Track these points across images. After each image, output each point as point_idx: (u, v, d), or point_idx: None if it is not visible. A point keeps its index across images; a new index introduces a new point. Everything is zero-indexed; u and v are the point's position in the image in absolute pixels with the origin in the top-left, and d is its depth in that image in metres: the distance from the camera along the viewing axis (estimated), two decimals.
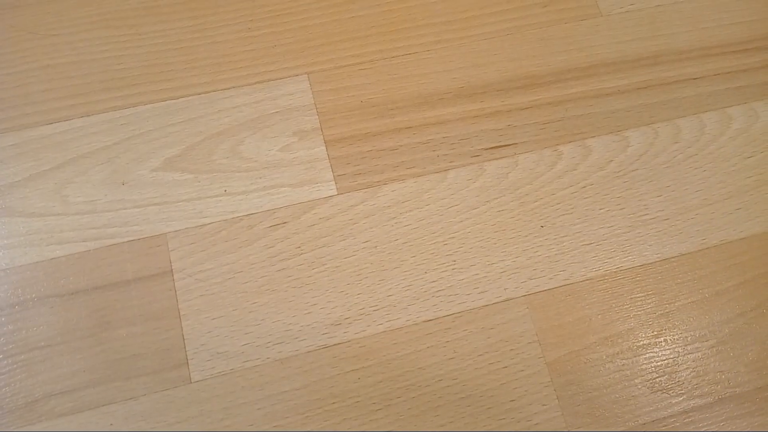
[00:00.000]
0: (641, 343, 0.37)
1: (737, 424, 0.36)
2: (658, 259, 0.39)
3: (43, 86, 0.41)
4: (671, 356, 0.37)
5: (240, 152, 0.40)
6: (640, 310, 0.38)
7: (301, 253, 0.38)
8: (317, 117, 0.41)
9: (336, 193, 0.39)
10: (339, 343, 0.36)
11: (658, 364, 0.37)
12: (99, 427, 0.34)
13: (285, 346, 0.36)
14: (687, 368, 0.37)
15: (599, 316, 0.38)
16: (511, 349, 0.36)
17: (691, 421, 0.36)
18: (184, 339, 0.36)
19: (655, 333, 0.38)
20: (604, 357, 0.37)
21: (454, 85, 0.43)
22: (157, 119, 0.40)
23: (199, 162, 0.40)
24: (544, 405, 0.36)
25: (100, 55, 0.42)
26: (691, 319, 0.38)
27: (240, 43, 0.43)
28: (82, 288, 0.36)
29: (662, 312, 0.38)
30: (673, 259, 0.39)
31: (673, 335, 0.38)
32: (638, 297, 0.38)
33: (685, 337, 0.38)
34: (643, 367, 0.37)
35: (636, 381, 0.36)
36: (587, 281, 0.38)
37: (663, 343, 0.37)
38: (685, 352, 0.37)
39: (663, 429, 0.36)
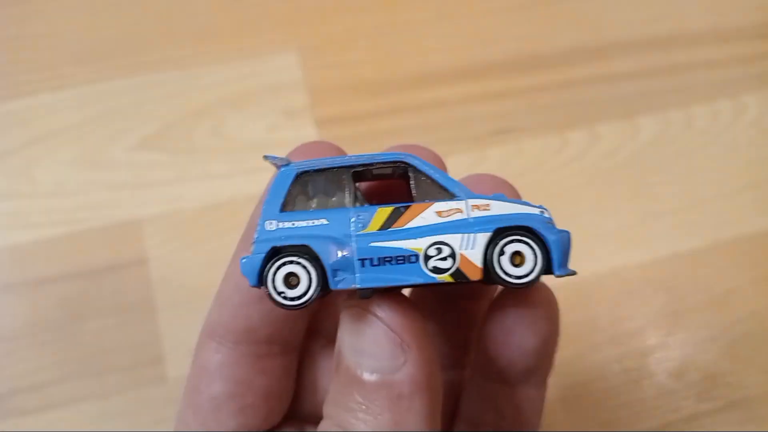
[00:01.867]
0: (650, 343, 0.36)
1: (749, 428, 0.35)
2: (668, 254, 0.38)
3: (9, 57, 0.39)
4: (680, 357, 0.36)
5: (222, 132, 0.38)
6: (649, 308, 0.37)
7: None
8: (307, 95, 0.39)
9: None
10: None
11: (667, 365, 0.36)
12: (68, 427, 0.32)
13: None
14: (696, 370, 0.36)
15: (606, 315, 0.36)
16: None
17: (699, 425, 0.34)
18: (159, 333, 0.34)
19: (664, 333, 0.36)
20: (611, 358, 0.35)
21: (454, 64, 0.41)
22: (133, 95, 0.38)
23: (178, 142, 0.38)
24: (547, 406, 0.34)
25: (72, 25, 0.40)
26: (702, 319, 0.37)
27: (224, 13, 0.41)
28: (50, 276, 0.34)
29: (672, 310, 0.37)
30: (684, 254, 0.38)
31: (683, 335, 0.36)
32: (647, 294, 0.37)
33: (695, 337, 0.36)
34: (651, 368, 0.35)
35: (643, 383, 0.35)
36: (594, 277, 0.37)
37: (672, 344, 0.36)
38: (695, 353, 0.36)
39: None
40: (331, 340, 0.22)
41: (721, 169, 0.40)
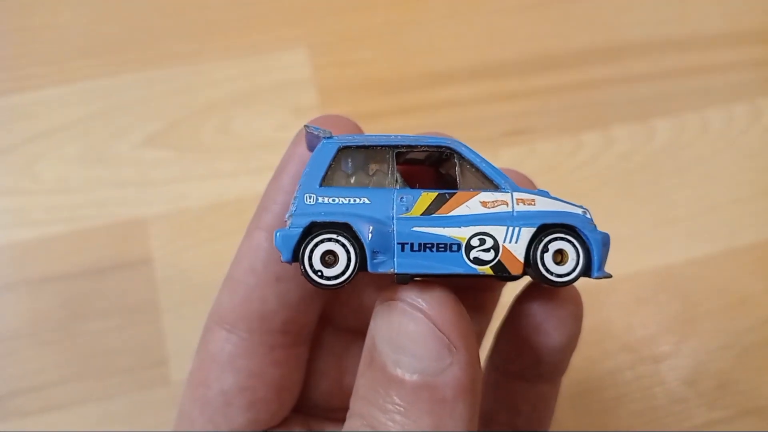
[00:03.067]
0: (662, 350, 0.35)
1: None
2: (682, 260, 0.37)
3: (14, 51, 0.38)
4: (693, 365, 0.35)
5: (230, 130, 0.37)
6: (662, 315, 0.36)
7: None
8: (316, 93, 0.38)
9: None
10: None
11: (680, 373, 0.35)
12: (70, 428, 0.31)
13: None
14: (709, 378, 0.35)
15: (619, 321, 0.36)
16: None
17: None
18: (163, 334, 0.33)
19: (678, 340, 0.36)
20: (624, 364, 0.35)
21: (467, 64, 0.40)
22: (139, 90, 0.38)
23: (184, 139, 0.37)
24: (558, 414, 0.34)
25: (78, 18, 0.39)
26: (715, 326, 0.36)
27: (233, 9, 0.40)
28: (52, 275, 0.34)
29: (686, 317, 0.36)
30: (698, 261, 0.37)
31: (696, 342, 0.36)
32: (661, 300, 0.36)
33: (709, 344, 0.36)
34: (664, 375, 0.35)
35: (655, 390, 0.35)
36: (607, 282, 0.36)
37: (685, 351, 0.36)
38: (708, 360, 0.35)
39: None
40: (341, 329, 0.22)
41: (737, 174, 0.39)
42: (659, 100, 0.40)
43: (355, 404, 0.15)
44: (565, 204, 0.16)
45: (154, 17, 0.39)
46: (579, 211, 0.16)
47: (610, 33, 0.42)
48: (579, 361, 0.34)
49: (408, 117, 0.39)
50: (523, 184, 0.19)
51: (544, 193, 0.17)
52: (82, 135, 0.37)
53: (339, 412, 0.21)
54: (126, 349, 0.33)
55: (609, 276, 0.16)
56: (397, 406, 0.15)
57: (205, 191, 0.36)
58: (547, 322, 0.18)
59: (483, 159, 0.16)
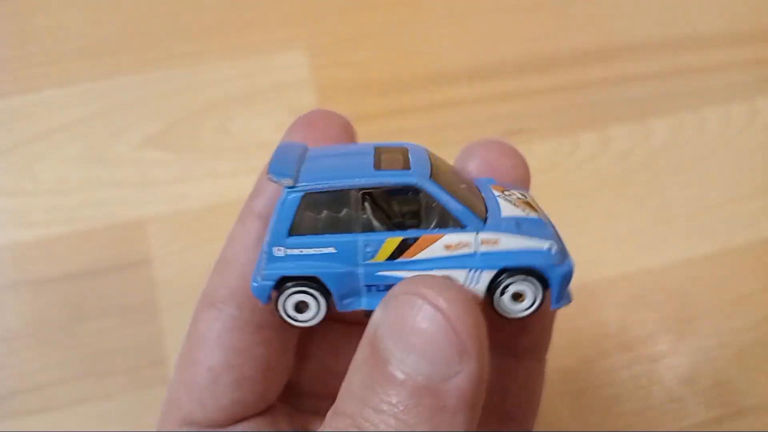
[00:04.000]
0: (659, 349, 0.36)
1: None
2: (680, 260, 0.37)
3: (13, 52, 0.38)
4: (690, 364, 0.35)
5: (228, 130, 0.38)
6: (659, 314, 0.36)
7: None
8: (315, 94, 0.39)
9: None
10: None
11: (677, 372, 0.35)
12: (69, 428, 0.32)
13: None
14: (707, 377, 0.35)
15: (616, 320, 0.36)
16: None
17: None
18: (163, 335, 0.33)
19: (675, 338, 0.36)
20: (620, 363, 0.35)
21: (465, 64, 0.40)
22: (138, 91, 0.38)
23: (183, 140, 0.37)
24: (554, 414, 0.34)
25: (77, 19, 0.39)
26: (713, 325, 0.36)
27: (231, 10, 0.40)
28: (52, 276, 0.34)
29: (683, 316, 0.36)
30: (695, 260, 0.37)
31: (693, 341, 0.36)
32: (658, 299, 0.36)
33: (706, 343, 0.36)
34: (661, 374, 0.35)
35: (653, 389, 0.35)
36: (604, 282, 0.36)
37: (682, 350, 0.36)
38: (705, 359, 0.36)
39: None
40: (335, 318, 0.22)
41: (734, 174, 0.39)
42: (656, 100, 0.40)
43: (345, 402, 0.15)
44: (530, 240, 0.16)
45: (153, 19, 0.40)
46: (544, 246, 0.16)
47: (607, 34, 0.42)
48: (575, 360, 0.35)
49: (406, 117, 0.39)
50: (508, 158, 0.19)
51: (511, 228, 0.16)
52: (81, 136, 0.37)
53: (327, 401, 0.21)
54: (125, 348, 0.33)
55: (568, 303, 0.17)
56: (393, 408, 0.14)
57: (204, 191, 0.36)
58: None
59: (450, 197, 0.16)
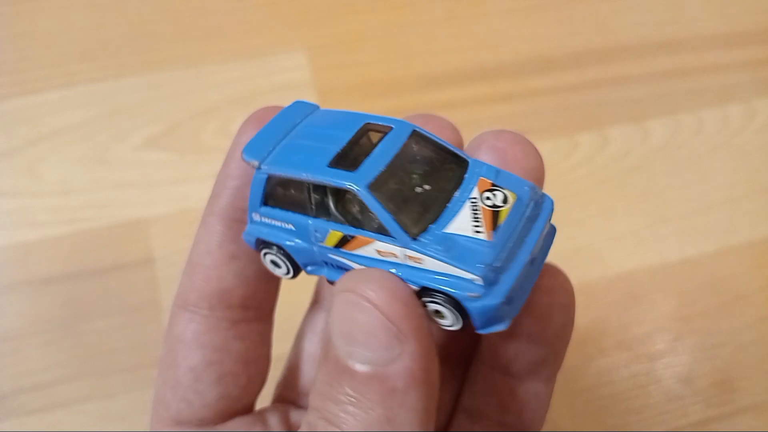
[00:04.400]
0: (658, 348, 0.36)
1: None
2: (678, 259, 0.37)
3: (16, 55, 0.38)
4: (689, 363, 0.35)
5: (230, 131, 0.38)
6: (657, 313, 0.36)
7: None
8: (315, 95, 0.39)
9: None
10: None
11: (675, 370, 0.35)
12: (72, 427, 0.32)
13: None
14: (705, 376, 0.35)
15: (615, 319, 0.36)
16: None
17: None
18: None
19: (673, 337, 0.36)
20: (619, 362, 0.35)
21: (464, 66, 0.40)
22: (141, 93, 0.38)
23: (185, 141, 0.37)
24: (553, 413, 0.34)
25: (79, 22, 0.39)
26: (711, 324, 0.36)
27: (232, 12, 0.40)
28: (55, 275, 0.34)
29: (681, 315, 0.36)
30: (693, 259, 0.37)
31: (692, 340, 0.36)
32: (656, 299, 0.37)
33: (704, 342, 0.36)
34: (659, 373, 0.35)
35: (651, 388, 0.35)
36: (603, 281, 0.36)
37: (680, 349, 0.36)
38: (704, 358, 0.36)
39: None
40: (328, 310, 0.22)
41: (732, 174, 0.39)
42: (654, 101, 0.41)
43: (313, 398, 0.16)
44: (456, 266, 0.15)
45: (154, 21, 0.40)
46: (468, 276, 0.15)
47: (605, 35, 0.42)
48: (574, 358, 0.35)
49: (405, 118, 0.39)
50: (444, 132, 0.19)
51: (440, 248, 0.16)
52: (84, 137, 0.37)
53: None
54: (128, 348, 0.33)
55: (501, 329, 0.16)
56: (349, 398, 0.15)
57: (206, 192, 0.35)
58: (529, 312, 0.18)
59: (382, 208, 0.15)
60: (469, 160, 0.18)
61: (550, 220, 0.17)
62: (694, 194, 0.39)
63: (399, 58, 0.40)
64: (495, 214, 0.16)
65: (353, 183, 0.15)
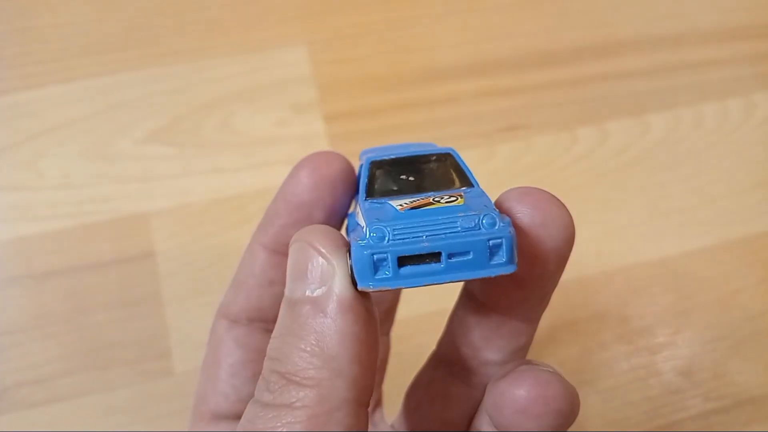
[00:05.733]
0: (658, 341, 0.36)
1: (756, 428, 0.34)
2: (677, 253, 0.37)
3: (17, 50, 0.38)
4: (688, 356, 0.36)
5: (231, 125, 0.38)
6: (657, 307, 0.36)
7: None
8: (316, 90, 0.39)
9: None
10: None
11: (675, 364, 0.35)
12: (73, 420, 0.32)
13: None
14: (704, 369, 0.35)
15: (614, 312, 0.36)
16: None
17: (707, 424, 0.34)
18: (166, 327, 0.33)
19: (673, 331, 0.36)
20: (619, 356, 0.35)
21: (464, 60, 0.40)
22: (141, 88, 0.38)
23: (186, 135, 0.37)
24: None
25: (80, 17, 0.39)
26: (710, 317, 0.36)
27: (232, 6, 0.40)
28: (56, 269, 0.34)
29: (680, 309, 0.36)
30: (693, 253, 0.37)
31: (691, 334, 0.36)
32: (656, 292, 0.37)
33: (703, 336, 0.36)
34: (659, 366, 0.35)
35: (651, 381, 0.35)
36: (603, 275, 0.36)
37: (680, 342, 0.36)
38: (703, 351, 0.36)
39: None
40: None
41: (731, 168, 0.39)
42: (654, 96, 0.41)
43: (270, 343, 0.16)
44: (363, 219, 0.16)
45: (154, 16, 0.40)
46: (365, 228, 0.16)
47: (604, 29, 0.42)
48: (575, 351, 0.35)
49: (406, 113, 0.39)
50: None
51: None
52: (84, 132, 0.37)
53: None
54: (129, 341, 0.33)
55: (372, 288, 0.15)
56: (287, 327, 0.16)
57: (206, 186, 0.36)
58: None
59: (364, 179, 0.18)
60: (474, 184, 0.18)
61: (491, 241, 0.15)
62: (693, 188, 0.39)
63: (399, 52, 0.40)
64: (426, 204, 0.16)
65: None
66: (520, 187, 0.17)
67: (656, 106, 0.40)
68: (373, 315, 0.16)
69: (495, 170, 0.38)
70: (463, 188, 0.18)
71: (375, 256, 0.15)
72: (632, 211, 0.38)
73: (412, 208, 0.16)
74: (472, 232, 0.15)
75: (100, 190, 0.36)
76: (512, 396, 0.17)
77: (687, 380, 0.35)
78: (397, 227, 0.15)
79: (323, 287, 0.15)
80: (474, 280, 0.17)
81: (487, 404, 0.19)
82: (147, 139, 0.37)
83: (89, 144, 0.37)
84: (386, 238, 0.15)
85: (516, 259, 0.15)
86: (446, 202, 0.16)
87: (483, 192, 0.17)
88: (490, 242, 0.15)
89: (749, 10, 0.44)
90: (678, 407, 0.34)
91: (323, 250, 0.16)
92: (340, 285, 0.15)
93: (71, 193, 0.36)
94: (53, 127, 0.37)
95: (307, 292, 0.16)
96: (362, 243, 0.15)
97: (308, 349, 0.15)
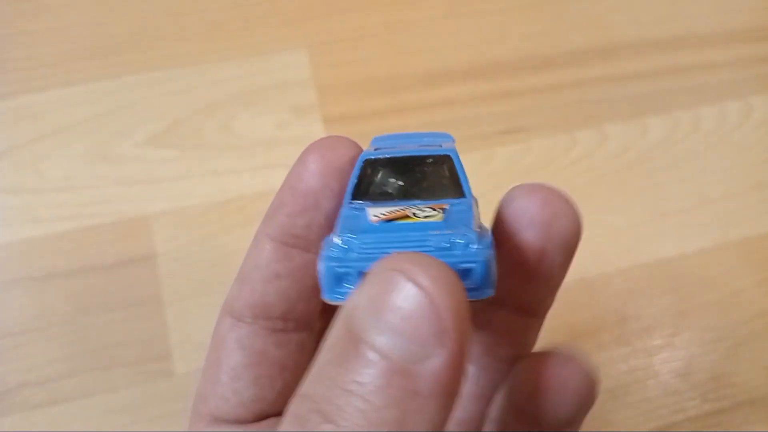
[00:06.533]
0: (656, 343, 0.36)
1: (754, 429, 0.34)
2: (676, 255, 0.37)
3: (20, 53, 0.39)
4: (686, 357, 0.36)
5: (231, 128, 0.38)
6: (655, 308, 0.36)
7: None
8: (315, 93, 0.39)
9: None
10: None
11: (673, 365, 0.35)
12: (75, 421, 0.32)
13: None
14: (702, 370, 0.35)
15: (612, 314, 0.36)
16: None
17: (705, 426, 0.34)
18: (167, 328, 0.34)
19: (671, 333, 0.36)
20: (617, 357, 0.35)
21: (463, 63, 0.40)
22: (143, 91, 0.38)
23: (187, 138, 0.37)
24: None
25: (82, 20, 0.40)
26: (708, 319, 0.37)
27: (233, 10, 0.41)
28: (58, 271, 0.34)
29: (678, 310, 0.37)
30: (691, 255, 0.37)
31: (689, 335, 0.36)
32: (654, 294, 0.37)
33: (702, 337, 0.36)
34: (657, 368, 0.35)
35: (649, 383, 0.35)
36: (601, 276, 0.37)
37: (678, 344, 0.36)
38: (701, 353, 0.36)
39: None
40: None
41: (729, 170, 0.40)
42: (652, 98, 0.41)
43: (311, 383, 0.13)
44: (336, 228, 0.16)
45: (156, 20, 0.40)
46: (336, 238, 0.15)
47: (603, 32, 0.42)
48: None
49: (405, 116, 0.39)
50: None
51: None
52: (86, 134, 0.37)
53: None
54: (130, 342, 0.33)
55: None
56: (362, 389, 0.12)
57: (207, 188, 0.36)
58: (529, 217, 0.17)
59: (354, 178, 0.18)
60: (466, 193, 0.17)
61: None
62: (691, 190, 0.39)
63: (399, 55, 0.40)
64: (402, 217, 0.16)
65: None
66: (526, 184, 0.18)
67: (654, 108, 0.41)
68: (460, 394, 0.13)
69: (494, 173, 0.38)
70: (453, 198, 0.17)
71: (339, 270, 0.14)
72: (631, 212, 0.38)
73: (388, 221, 0.15)
74: (444, 252, 0.14)
75: (102, 192, 0.36)
76: (533, 376, 0.17)
77: (685, 382, 0.35)
78: (366, 241, 0.14)
79: (425, 355, 0.12)
80: None
81: (509, 385, 0.19)
82: (148, 142, 0.37)
83: (91, 146, 0.37)
84: (353, 251, 0.14)
85: (494, 283, 0.14)
86: (424, 217, 0.15)
87: (471, 205, 0.16)
88: (462, 266, 0.14)
89: (747, 13, 0.44)
90: (676, 409, 0.34)
91: (443, 309, 0.12)
92: (448, 360, 0.12)
93: (73, 195, 0.36)
94: (55, 130, 0.37)
95: (400, 351, 0.12)
96: (331, 254, 0.14)
97: (383, 426, 0.12)
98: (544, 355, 0.18)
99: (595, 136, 0.40)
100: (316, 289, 0.19)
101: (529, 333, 0.20)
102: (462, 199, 0.17)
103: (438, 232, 0.14)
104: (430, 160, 0.18)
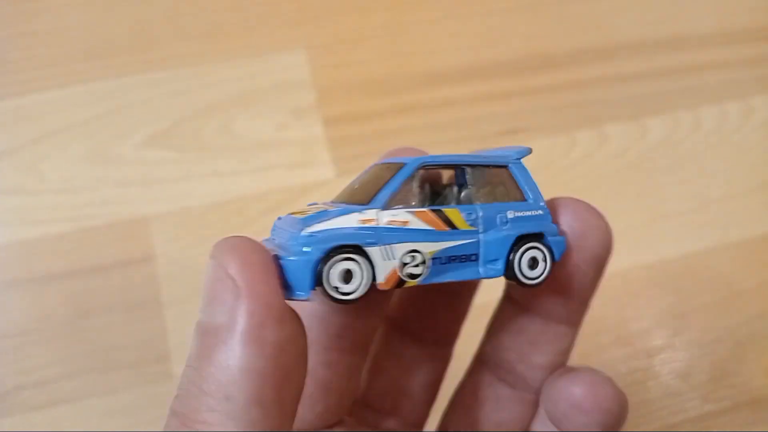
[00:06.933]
0: (656, 344, 0.36)
1: (754, 430, 0.34)
2: (676, 255, 0.37)
3: (19, 54, 0.39)
4: (686, 358, 0.36)
5: (231, 129, 0.38)
6: (655, 309, 0.36)
7: None
8: (315, 94, 0.39)
9: (334, 176, 0.37)
10: None
11: (673, 366, 0.35)
12: (74, 423, 0.32)
13: None
14: (702, 371, 0.35)
15: (613, 315, 0.36)
16: None
17: (705, 427, 0.34)
18: (166, 330, 0.33)
19: (671, 334, 0.36)
20: (617, 358, 0.35)
21: (463, 64, 0.40)
22: (142, 92, 0.38)
23: (187, 139, 0.37)
24: None
25: (81, 22, 0.39)
26: (708, 320, 0.36)
27: (233, 11, 0.40)
28: (57, 272, 0.34)
29: (678, 312, 0.36)
30: (691, 255, 0.37)
31: (689, 336, 0.36)
32: (654, 295, 0.37)
33: (702, 338, 0.36)
34: (657, 369, 0.35)
35: (649, 384, 0.35)
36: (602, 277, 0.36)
37: (678, 345, 0.36)
38: (701, 354, 0.36)
39: None
40: (404, 332, 0.22)
41: (730, 171, 0.39)
42: (652, 99, 0.41)
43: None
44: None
45: (155, 21, 0.40)
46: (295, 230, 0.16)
47: (603, 33, 0.42)
48: (573, 353, 0.35)
49: (405, 117, 0.39)
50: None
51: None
52: (85, 136, 0.37)
53: (390, 419, 0.21)
54: (129, 344, 0.33)
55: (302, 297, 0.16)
56: (193, 357, 0.14)
57: (206, 190, 0.36)
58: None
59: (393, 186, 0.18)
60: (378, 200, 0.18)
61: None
62: (691, 191, 0.39)
63: (398, 56, 0.40)
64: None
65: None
66: (558, 198, 0.18)
67: (654, 109, 0.40)
68: (295, 343, 0.14)
69: None
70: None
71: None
72: (631, 213, 0.38)
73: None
74: (291, 243, 0.16)
75: (101, 193, 0.36)
76: (569, 392, 0.18)
77: (685, 383, 0.35)
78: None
79: (223, 311, 0.14)
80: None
81: (543, 398, 0.19)
82: (147, 143, 0.37)
83: (90, 148, 0.37)
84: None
85: (308, 287, 0.15)
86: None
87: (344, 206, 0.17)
88: (282, 260, 0.15)
89: (747, 14, 0.44)
90: (676, 409, 0.34)
91: (229, 268, 0.14)
92: (245, 310, 0.14)
93: (72, 196, 0.36)
94: (54, 131, 0.37)
95: (216, 318, 0.14)
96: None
97: (205, 387, 0.13)
98: (580, 374, 0.19)
99: (595, 137, 0.40)
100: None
101: (563, 340, 0.20)
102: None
103: (300, 229, 0.16)
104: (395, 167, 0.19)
